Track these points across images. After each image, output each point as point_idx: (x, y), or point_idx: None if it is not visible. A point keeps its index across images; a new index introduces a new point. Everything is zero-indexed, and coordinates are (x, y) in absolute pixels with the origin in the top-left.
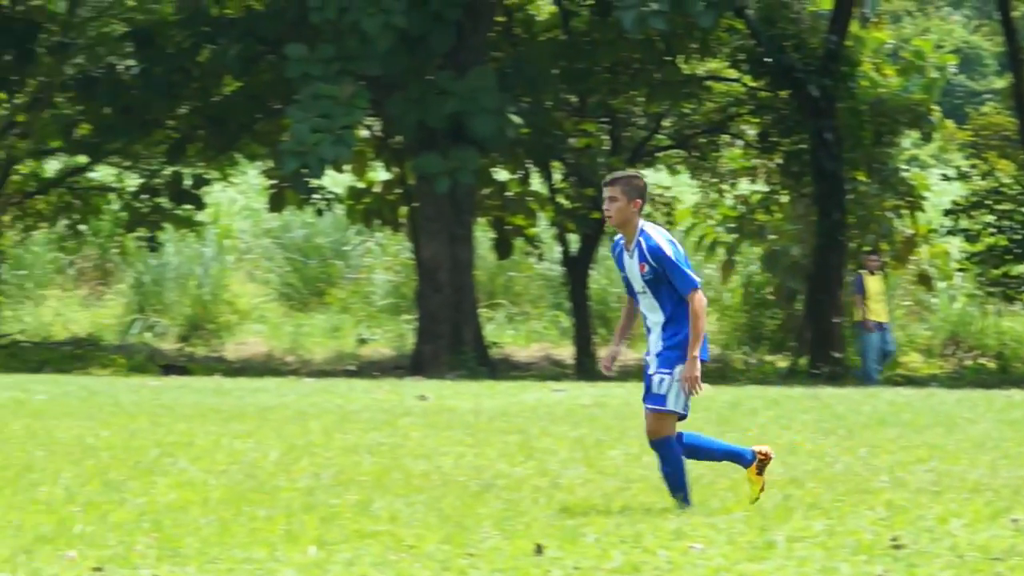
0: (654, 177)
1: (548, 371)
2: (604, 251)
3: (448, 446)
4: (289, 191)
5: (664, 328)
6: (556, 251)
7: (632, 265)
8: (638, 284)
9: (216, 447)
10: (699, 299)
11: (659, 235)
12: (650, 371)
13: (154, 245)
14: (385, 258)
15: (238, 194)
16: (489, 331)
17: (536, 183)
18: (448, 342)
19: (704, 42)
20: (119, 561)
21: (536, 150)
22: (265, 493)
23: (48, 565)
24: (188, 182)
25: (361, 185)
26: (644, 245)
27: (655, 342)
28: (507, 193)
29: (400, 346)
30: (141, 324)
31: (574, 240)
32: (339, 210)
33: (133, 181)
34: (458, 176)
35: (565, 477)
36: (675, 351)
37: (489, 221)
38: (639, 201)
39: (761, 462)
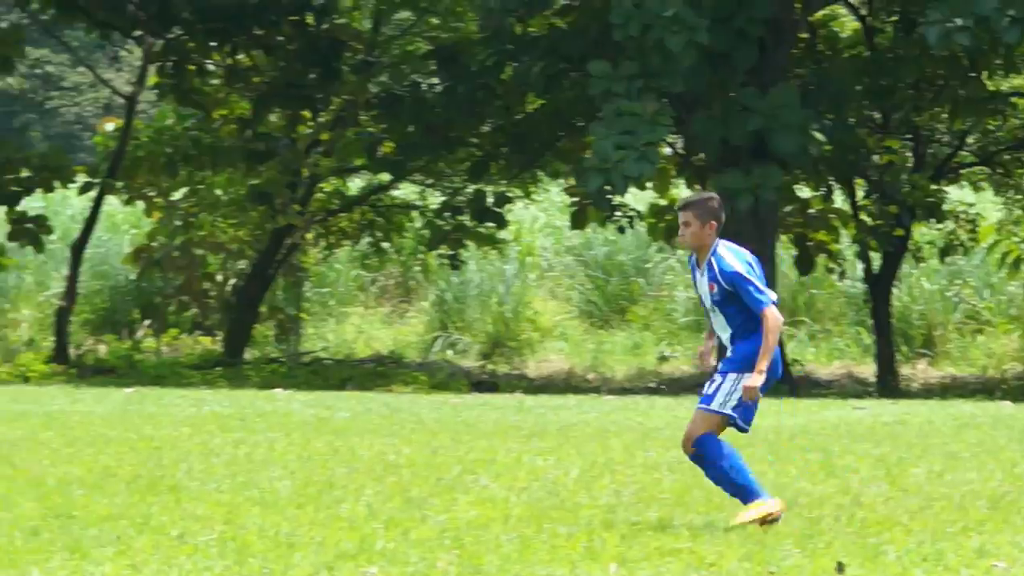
0: (957, 194)
1: (850, 389)
2: (907, 268)
3: (749, 464)
4: (591, 208)
5: (732, 344)
6: (858, 268)
7: (703, 283)
8: (707, 302)
9: (517, 464)
10: (772, 316)
11: (732, 256)
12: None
13: (456, 263)
14: (686, 275)
15: (540, 211)
16: (791, 348)
17: (839, 200)
18: None
19: (1009, 58)
20: None
21: (839, 167)
22: (566, 510)
23: None
24: (490, 200)
25: (663, 202)
26: (716, 266)
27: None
28: (810, 210)
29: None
30: (443, 341)
31: (876, 257)
32: (641, 227)
33: (436, 199)
34: (760, 193)
35: (866, 495)
36: (736, 361)
37: (791, 238)
38: (713, 223)
39: (765, 520)
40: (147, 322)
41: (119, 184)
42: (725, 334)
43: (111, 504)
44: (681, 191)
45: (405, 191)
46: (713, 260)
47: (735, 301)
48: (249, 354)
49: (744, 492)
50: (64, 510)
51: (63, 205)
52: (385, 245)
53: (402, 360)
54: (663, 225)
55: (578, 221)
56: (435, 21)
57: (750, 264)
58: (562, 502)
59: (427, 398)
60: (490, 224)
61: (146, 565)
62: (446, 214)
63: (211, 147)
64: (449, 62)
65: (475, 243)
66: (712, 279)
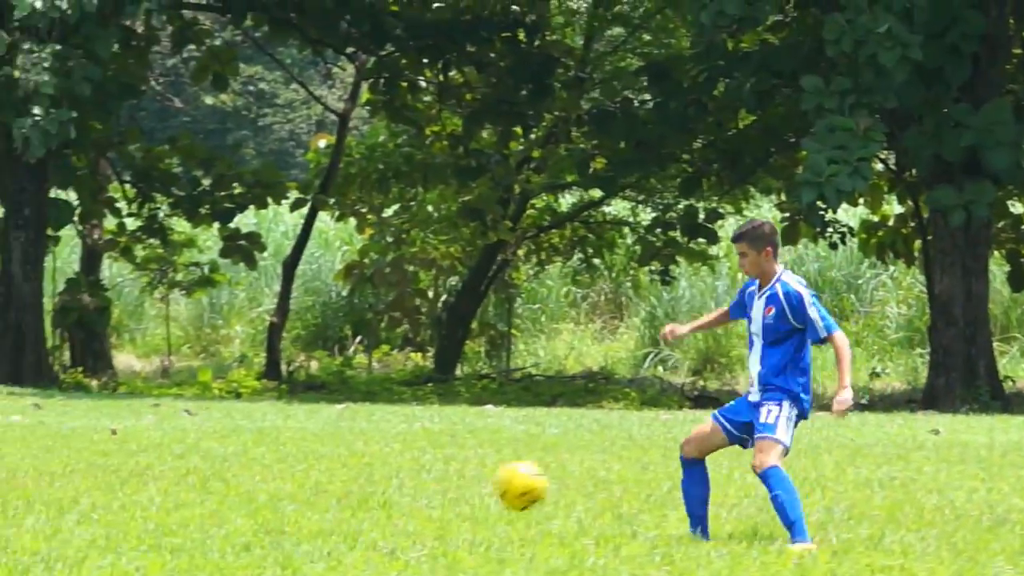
0: None
1: None
2: None
3: (960, 480)
4: (803, 224)
5: (762, 377)
6: None
7: (759, 306)
8: (756, 326)
9: (728, 480)
10: (839, 338)
11: (798, 283)
12: (751, 398)
13: (667, 279)
14: (898, 292)
15: None
16: (1003, 365)
17: None
18: (961, 376)
19: None
20: None
21: None
22: (777, 527)
23: None
24: (702, 216)
25: (874, 218)
26: (780, 291)
27: (756, 386)
28: (1022, 226)
29: (913, 380)
30: (654, 357)
31: None
32: (853, 243)
33: (647, 215)
34: (973, 209)
35: None
36: (784, 390)
37: (1004, 254)
38: (769, 249)
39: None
40: (358, 338)
41: (331, 200)
42: (756, 361)
43: (322, 520)
44: (893, 207)
45: (616, 207)
46: (778, 285)
47: (783, 330)
48: (460, 370)
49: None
50: (275, 526)
51: (275, 222)
52: (596, 261)
53: (613, 376)
54: (875, 241)
55: (790, 237)
56: (647, 37)
57: (814, 294)
58: (772, 518)
59: (637, 414)
60: (701, 240)
61: None
62: (657, 230)
63: (423, 163)
64: (661, 78)
65: (686, 259)
66: (772, 303)
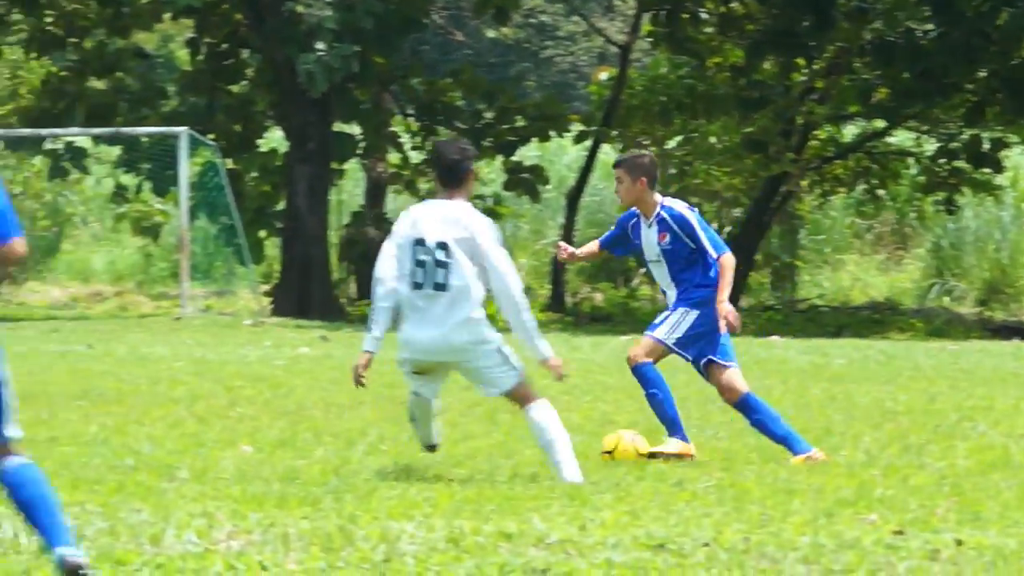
0: None
1: None
2: None
3: None
4: None
5: (678, 295)
6: None
7: (650, 235)
8: (653, 253)
9: (1016, 411)
10: (727, 258)
11: (682, 206)
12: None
13: (952, 209)
14: None
15: None
16: None
17: None
18: None
19: None
20: (919, 525)
21: None
22: None
23: (849, 528)
24: (987, 145)
25: None
26: (668, 216)
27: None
28: None
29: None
30: (939, 288)
31: None
32: None
33: (931, 145)
34: None
35: None
36: (687, 300)
37: None
38: (644, 179)
39: (810, 458)
40: (642, 270)
41: (613, 133)
42: (667, 282)
43: None
44: None
45: (900, 138)
46: (663, 211)
47: (682, 252)
48: (745, 302)
49: (669, 424)
50: None
51: (558, 154)
52: (880, 192)
53: (898, 307)
54: None
55: None
56: None
57: (697, 214)
58: None
59: (923, 345)
60: (986, 170)
61: (645, 512)
62: (941, 160)
63: (705, 95)
64: (944, 8)
65: (971, 189)
66: (664, 229)
